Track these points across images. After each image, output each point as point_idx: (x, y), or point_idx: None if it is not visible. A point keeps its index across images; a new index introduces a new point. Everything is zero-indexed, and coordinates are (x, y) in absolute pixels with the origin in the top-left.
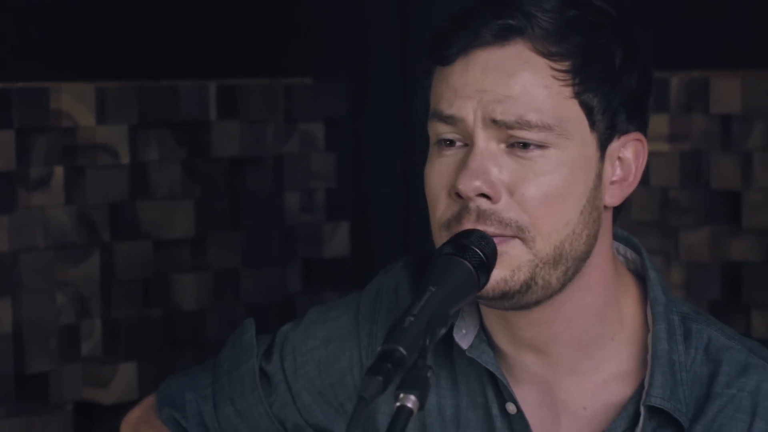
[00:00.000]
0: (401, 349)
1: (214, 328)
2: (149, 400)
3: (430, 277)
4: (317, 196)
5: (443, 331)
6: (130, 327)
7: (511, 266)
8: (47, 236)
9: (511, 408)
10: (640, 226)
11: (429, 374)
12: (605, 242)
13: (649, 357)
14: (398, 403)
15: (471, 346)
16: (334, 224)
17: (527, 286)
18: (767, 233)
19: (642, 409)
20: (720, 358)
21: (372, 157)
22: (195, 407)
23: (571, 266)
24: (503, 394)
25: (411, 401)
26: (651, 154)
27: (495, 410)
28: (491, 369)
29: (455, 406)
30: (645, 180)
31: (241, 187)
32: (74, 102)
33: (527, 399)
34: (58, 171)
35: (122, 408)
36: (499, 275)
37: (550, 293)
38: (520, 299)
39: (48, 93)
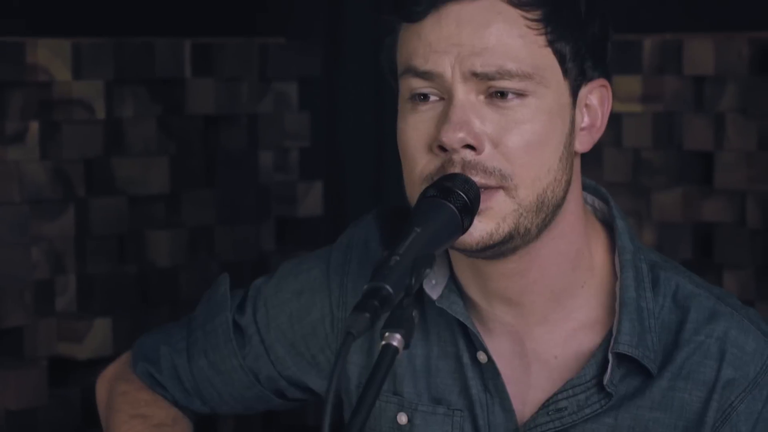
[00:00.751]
0: (388, 287)
1: (189, 284)
2: (125, 357)
3: (414, 218)
4: (291, 156)
5: (428, 271)
6: (104, 283)
7: (496, 219)
8: (22, 191)
9: (482, 357)
10: (613, 186)
11: (414, 314)
12: (576, 189)
13: (617, 305)
14: (384, 342)
15: (441, 297)
16: (307, 183)
17: (510, 236)
18: (739, 194)
19: (610, 357)
20: (688, 305)
21: (346, 117)
22: (169, 361)
23: (550, 213)
24: (474, 343)
25: (397, 339)
26: (624, 116)
27: (466, 359)
28: (461, 319)
29: (426, 355)
30: (617, 141)
31: (215, 145)
32: (50, 57)
33: (498, 349)
34: (34, 126)
35: (97, 363)
36: (484, 229)
37: (528, 241)
38: (500, 248)
39: (24, 48)
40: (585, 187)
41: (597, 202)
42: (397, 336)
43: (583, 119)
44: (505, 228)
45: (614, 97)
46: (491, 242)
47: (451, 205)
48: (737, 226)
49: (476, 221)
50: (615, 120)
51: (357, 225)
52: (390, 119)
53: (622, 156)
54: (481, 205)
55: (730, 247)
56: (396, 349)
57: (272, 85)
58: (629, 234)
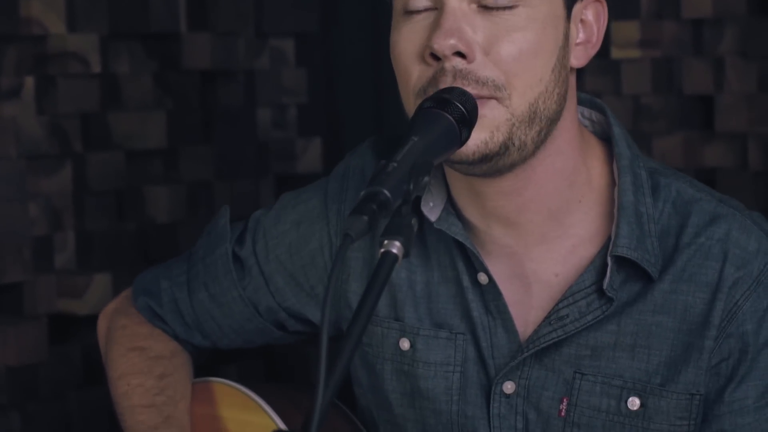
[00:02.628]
0: (386, 192)
1: (188, 240)
2: (125, 293)
3: (412, 128)
4: (289, 112)
5: (426, 179)
6: (103, 239)
7: (489, 128)
8: (19, 146)
9: (482, 278)
10: None
11: (413, 222)
12: (572, 104)
13: (615, 210)
14: (383, 249)
15: (439, 219)
16: (306, 140)
17: (505, 147)
18: (740, 137)
19: (609, 260)
20: (689, 210)
21: (343, 73)
22: (170, 294)
23: (545, 126)
24: (474, 265)
25: (396, 247)
26: (622, 62)
27: (466, 282)
28: (460, 239)
29: (426, 281)
30: (617, 88)
31: (212, 101)
32: (45, 10)
33: (498, 271)
34: (29, 81)
35: (96, 319)
36: (478, 138)
37: (525, 156)
38: (497, 162)
39: (18, 1)
40: (581, 102)
41: (594, 115)
42: (397, 243)
43: (578, 34)
44: (499, 137)
45: (612, 43)
46: (487, 151)
47: (449, 116)
48: (739, 170)
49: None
50: (614, 66)
51: (353, 154)
52: (387, 74)
53: (622, 103)
54: None
55: (732, 190)
56: (395, 256)
57: (269, 42)
58: (627, 141)
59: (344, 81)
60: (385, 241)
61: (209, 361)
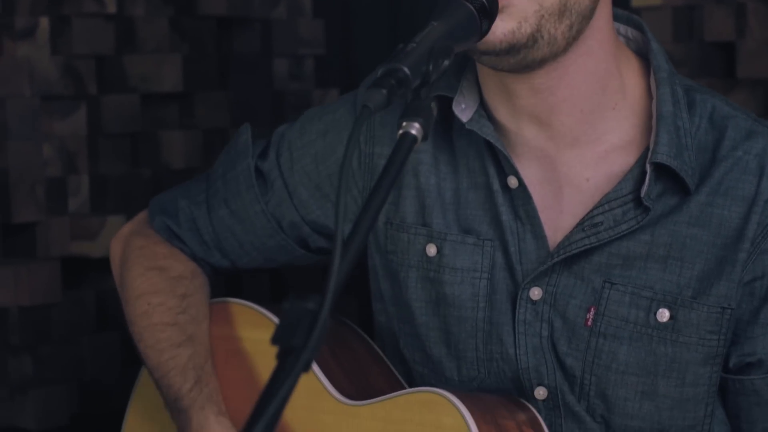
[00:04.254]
0: (405, 69)
1: None
2: (141, 215)
3: (432, 14)
4: (306, 63)
5: (446, 63)
6: (118, 184)
7: (517, 18)
8: (33, 86)
9: (512, 182)
10: None
11: (432, 105)
12: (606, 6)
13: (654, 121)
14: (401, 131)
15: (470, 120)
16: (323, 91)
17: (533, 39)
18: (763, 84)
19: (648, 167)
20: (725, 125)
21: (360, 25)
22: (188, 213)
23: (575, 22)
24: (504, 169)
25: (415, 128)
26: (643, 10)
27: (496, 186)
28: (491, 140)
29: (455, 188)
30: None
31: (228, 49)
32: None
33: (528, 175)
34: (44, 21)
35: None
36: (506, 27)
37: (555, 51)
38: (527, 55)
39: None
40: (617, 18)
41: (630, 32)
42: (416, 125)
43: None
44: (527, 28)
45: None
46: (514, 41)
47: (469, 5)
48: (761, 116)
49: (498, 20)
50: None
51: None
52: (404, 24)
53: None
54: (502, 2)
55: None
56: (414, 137)
57: None
58: (665, 56)
59: (361, 32)
60: (404, 123)
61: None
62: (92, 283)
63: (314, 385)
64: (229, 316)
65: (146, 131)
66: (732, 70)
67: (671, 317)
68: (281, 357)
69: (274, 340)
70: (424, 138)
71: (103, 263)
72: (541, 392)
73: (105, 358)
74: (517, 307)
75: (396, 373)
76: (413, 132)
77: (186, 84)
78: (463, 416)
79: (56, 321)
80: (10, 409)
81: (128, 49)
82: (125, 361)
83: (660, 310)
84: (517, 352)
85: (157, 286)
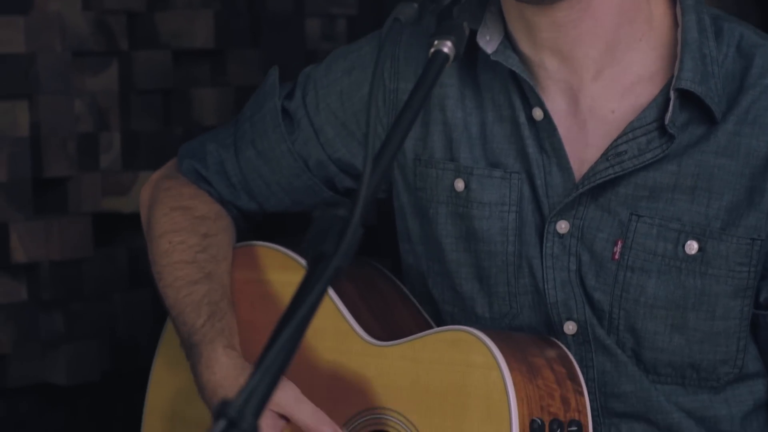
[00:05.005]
0: None
1: None
2: (170, 162)
3: None
4: (338, 23)
5: None
6: (150, 141)
7: None
8: (64, 41)
9: (538, 114)
10: None
11: (465, 25)
12: None
13: (678, 48)
14: (433, 49)
15: (495, 51)
16: None
17: None
18: None
19: (672, 94)
20: (753, 53)
21: None
22: (216, 156)
23: None
24: (530, 100)
25: (447, 47)
26: None
27: (522, 119)
28: (516, 70)
29: (481, 122)
30: None
31: (261, 7)
32: None
33: (553, 107)
34: None
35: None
36: None
37: None
38: None
39: None
40: None
41: None
42: (448, 43)
43: None
44: None
45: None
46: None
47: None
48: None
49: None
50: None
51: None
52: None
53: None
54: None
55: None
56: (446, 56)
57: None
58: None
59: None
60: (436, 41)
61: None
62: (124, 241)
63: (342, 326)
64: (256, 260)
65: (178, 88)
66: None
67: (700, 249)
68: (312, 264)
69: (304, 247)
70: (456, 57)
71: (135, 220)
72: (570, 327)
73: (137, 315)
74: (545, 241)
75: (424, 313)
76: (445, 50)
77: (218, 41)
78: (492, 354)
79: (88, 277)
80: (41, 365)
81: (160, 5)
82: (157, 318)
83: (688, 242)
84: (546, 286)
85: (179, 225)
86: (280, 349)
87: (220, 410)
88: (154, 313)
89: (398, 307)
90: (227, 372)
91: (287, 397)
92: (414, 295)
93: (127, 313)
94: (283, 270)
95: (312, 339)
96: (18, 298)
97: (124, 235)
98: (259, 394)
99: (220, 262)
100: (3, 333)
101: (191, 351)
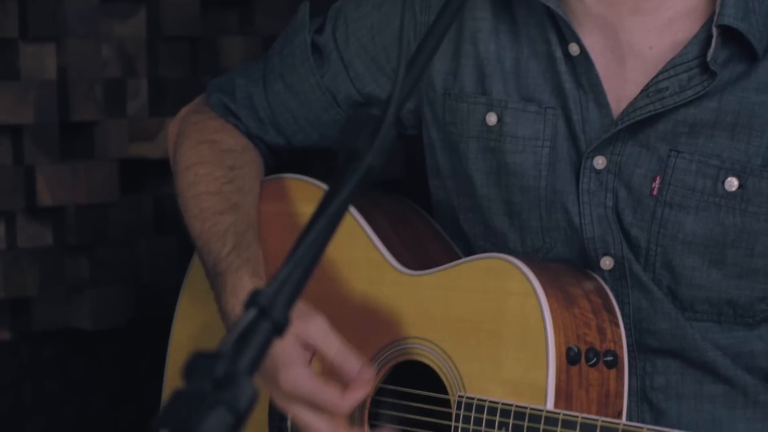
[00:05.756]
0: None
1: None
2: (199, 97)
3: None
4: None
5: None
6: (177, 87)
7: None
8: None
9: (574, 49)
10: None
11: None
12: None
13: None
14: None
15: None
16: None
17: None
18: None
19: (714, 31)
20: None
21: None
22: (244, 90)
23: None
24: (566, 36)
25: None
26: None
27: (558, 54)
28: (551, 6)
29: (515, 57)
30: None
31: None
32: None
33: (591, 43)
34: None
35: (168, 165)
36: None
37: None
38: None
39: None
40: None
41: None
42: None
43: None
44: None
45: None
46: None
47: None
48: None
49: None
50: None
51: None
52: None
53: None
54: None
55: None
56: None
57: None
58: None
59: None
60: None
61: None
62: (151, 188)
63: (374, 257)
64: (285, 192)
65: (205, 36)
66: None
67: (740, 186)
68: (345, 161)
69: (335, 143)
70: None
71: (162, 166)
72: (607, 262)
73: (162, 262)
74: (581, 177)
75: (456, 248)
76: None
77: None
78: (529, 280)
79: (113, 222)
80: (66, 309)
81: None
82: (182, 266)
83: (728, 178)
84: (582, 221)
85: (205, 158)
86: (312, 242)
87: (251, 299)
88: (180, 260)
89: (431, 240)
90: None
91: (316, 328)
92: (445, 231)
93: (153, 260)
94: (312, 201)
95: (344, 270)
96: (43, 242)
97: (150, 182)
98: (291, 285)
99: (246, 194)
100: (28, 276)
101: (216, 280)
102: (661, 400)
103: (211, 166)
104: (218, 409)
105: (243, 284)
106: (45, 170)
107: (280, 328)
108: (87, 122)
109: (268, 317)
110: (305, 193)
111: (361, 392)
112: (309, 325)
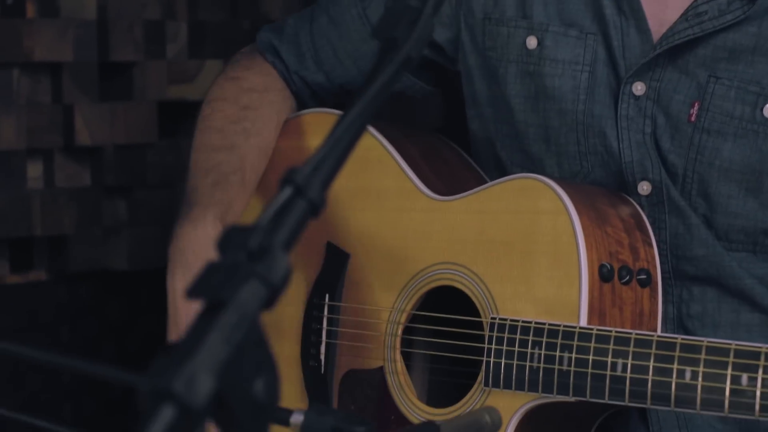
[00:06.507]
0: None
1: None
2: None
3: None
4: None
5: None
6: (216, 31)
7: None
8: None
9: None
10: None
11: None
12: None
13: None
14: None
15: None
16: None
17: None
18: None
19: None
20: None
21: None
22: (292, 27)
23: None
24: None
25: None
26: None
27: None
28: None
29: None
30: None
31: None
32: None
33: None
34: None
35: None
36: None
37: None
38: None
39: None
40: None
41: None
42: None
43: None
44: None
45: None
46: None
47: None
48: None
49: None
50: None
51: None
52: None
53: None
54: None
55: None
56: None
57: None
58: None
59: None
60: None
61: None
62: (189, 131)
63: (406, 185)
64: (306, 127)
65: None
66: None
67: None
68: (383, 49)
69: (374, 32)
70: None
71: (199, 105)
72: (644, 187)
73: None
74: (620, 102)
75: (488, 179)
76: None
77: None
78: (561, 199)
79: (152, 164)
80: (102, 250)
81: None
82: None
83: (767, 105)
84: (621, 146)
85: (225, 94)
86: (350, 125)
87: (287, 178)
88: None
89: (462, 170)
90: (205, 241)
91: None
92: (482, 161)
93: None
94: None
95: (374, 199)
96: (82, 183)
97: (189, 124)
98: (327, 166)
99: (249, 137)
100: (66, 216)
101: (186, 206)
102: (697, 328)
103: (226, 104)
104: (252, 281)
105: (204, 222)
106: (84, 109)
107: (316, 209)
108: (126, 63)
109: (304, 196)
110: (327, 126)
111: None
112: None
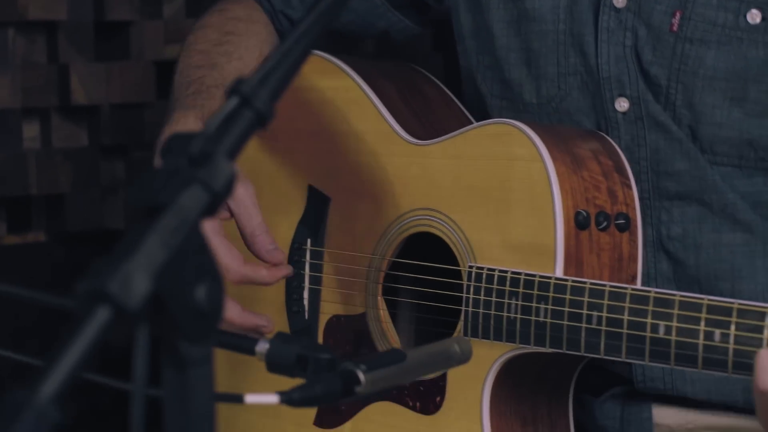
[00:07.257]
0: None
1: None
2: None
3: None
4: None
5: None
6: None
7: None
8: None
9: None
10: None
11: None
12: None
13: None
14: None
15: None
16: None
17: None
18: None
19: None
20: None
21: None
22: None
23: None
24: None
25: None
26: None
27: None
28: None
29: None
30: None
31: None
32: None
33: None
34: None
35: None
36: None
37: None
38: None
39: None
40: None
41: None
42: None
43: None
44: None
45: None
46: None
47: None
48: None
49: None
50: None
51: None
52: None
53: None
54: None
55: None
56: None
57: None
58: None
59: None
60: None
61: None
62: None
63: (383, 128)
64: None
65: None
66: None
67: (763, 19)
68: None
69: None
70: None
71: None
72: (622, 103)
73: None
74: (600, 14)
75: (468, 114)
76: None
77: None
78: (535, 145)
79: (149, 123)
80: (100, 210)
81: None
82: None
83: (751, 11)
84: (599, 61)
85: (210, 21)
86: (301, 35)
87: (233, 87)
88: None
89: (441, 108)
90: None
91: (244, 194)
92: (466, 98)
93: None
94: (323, 75)
95: (352, 142)
96: (78, 143)
97: None
98: (276, 77)
99: (231, 60)
100: (62, 175)
101: (167, 119)
102: (679, 250)
103: (210, 29)
104: (193, 186)
105: (186, 122)
106: (79, 68)
107: (263, 119)
108: (122, 22)
109: (251, 106)
110: (316, 67)
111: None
112: (238, 188)
